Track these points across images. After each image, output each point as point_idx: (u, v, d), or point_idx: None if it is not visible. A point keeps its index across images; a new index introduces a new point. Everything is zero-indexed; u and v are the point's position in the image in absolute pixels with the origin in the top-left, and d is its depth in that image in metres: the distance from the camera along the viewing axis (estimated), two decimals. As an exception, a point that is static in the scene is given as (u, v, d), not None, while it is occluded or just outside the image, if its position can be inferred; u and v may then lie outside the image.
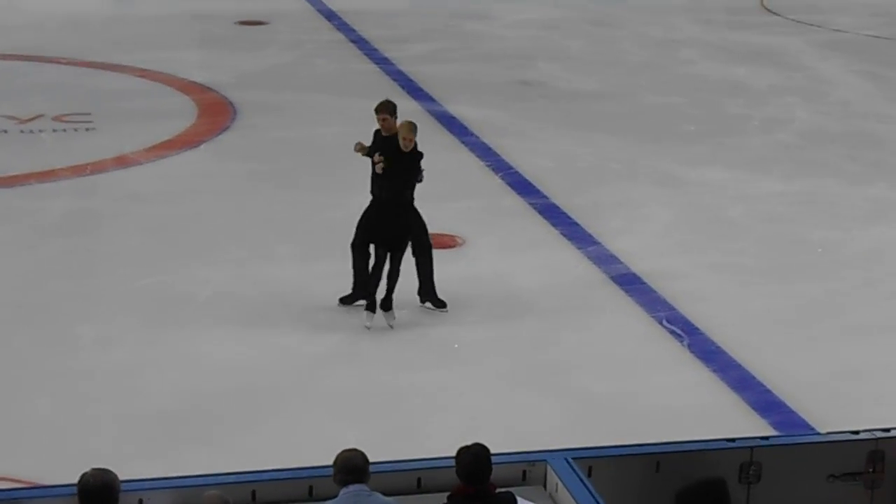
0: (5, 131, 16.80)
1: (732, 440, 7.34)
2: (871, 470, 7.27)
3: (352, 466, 6.42)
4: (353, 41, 22.27)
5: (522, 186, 15.11)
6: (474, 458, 6.49)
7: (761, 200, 14.97)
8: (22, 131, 16.82)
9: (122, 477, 6.20)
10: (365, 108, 17.82)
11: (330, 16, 24.16)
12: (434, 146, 16.69)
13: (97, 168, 15.41)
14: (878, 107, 19.10)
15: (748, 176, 15.79)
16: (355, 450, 6.49)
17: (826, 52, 22.22)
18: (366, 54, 21.34)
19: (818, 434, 8.94)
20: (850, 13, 25.34)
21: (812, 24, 24.30)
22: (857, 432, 7.41)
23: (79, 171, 15.30)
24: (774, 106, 18.95)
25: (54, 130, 16.89)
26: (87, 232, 13.51)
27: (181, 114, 17.72)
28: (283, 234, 13.50)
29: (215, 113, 17.86)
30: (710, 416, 10.06)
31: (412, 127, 11.27)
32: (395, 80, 19.72)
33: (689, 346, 11.23)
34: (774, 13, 25.40)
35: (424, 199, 14.61)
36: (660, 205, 14.76)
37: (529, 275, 12.67)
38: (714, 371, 10.81)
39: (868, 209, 14.81)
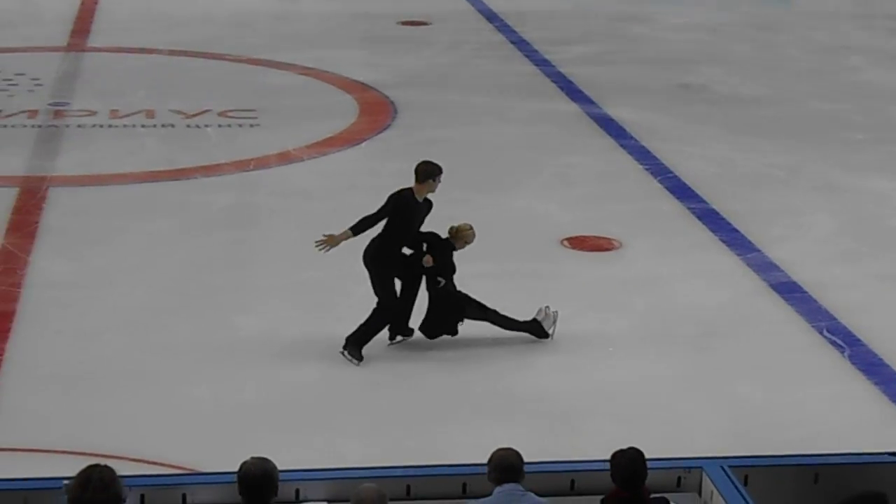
0: (172, 125, 17.19)
1: (894, 454, 7.19)
2: None
3: (507, 465, 6.44)
4: (513, 42, 22.30)
5: (681, 191, 14.97)
6: (630, 462, 6.46)
7: (929, 211, 14.63)
8: (188, 126, 17.20)
9: (280, 467, 6.30)
10: (524, 108, 17.87)
11: (491, 17, 24.22)
12: (592, 149, 16.72)
13: (260, 163, 15.68)
14: None
15: (915, 185, 15.45)
16: (511, 449, 6.52)
17: None
18: (526, 55, 21.35)
19: (984, 451, 8.72)
20: None
21: (985, 32, 23.67)
22: None
23: (242, 165, 15.59)
24: (944, 114, 18.51)
25: (219, 126, 17.23)
26: (248, 226, 13.76)
27: (343, 112, 17.94)
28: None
29: (376, 112, 18.05)
30: (871, 429, 9.84)
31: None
32: (554, 81, 19.71)
33: (851, 358, 11.01)
34: (945, 19, 24.79)
35: (583, 200, 14.65)
36: (823, 213, 14.50)
37: (687, 280, 12.54)
38: (876, 384, 10.57)
39: None
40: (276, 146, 16.26)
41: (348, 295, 11.99)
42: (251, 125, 17.26)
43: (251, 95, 18.58)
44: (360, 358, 10.70)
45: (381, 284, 10.81)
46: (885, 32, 24.08)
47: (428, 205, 10.88)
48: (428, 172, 10.78)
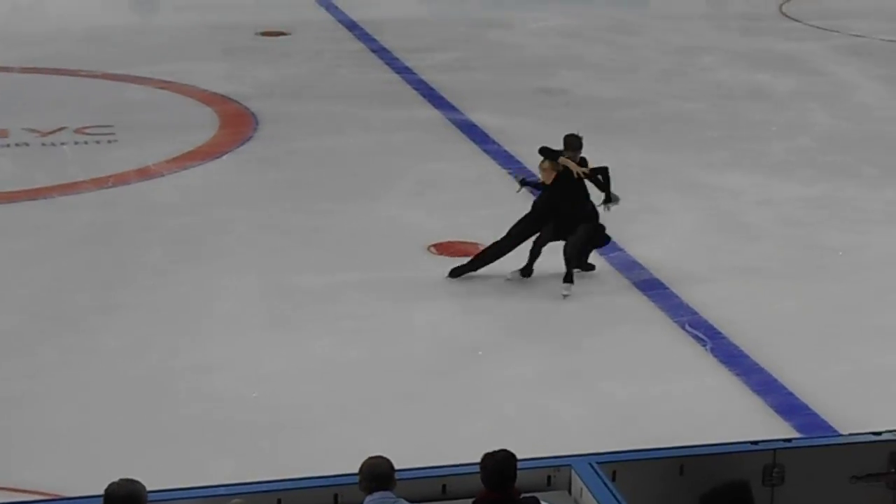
0: (27, 144, 16.89)
1: (755, 443, 7.35)
2: (893, 470, 7.27)
3: (377, 473, 6.45)
4: (373, 50, 22.32)
5: (544, 194, 15.09)
6: (497, 464, 6.51)
7: (782, 205, 14.97)
8: (44, 144, 16.91)
9: (148, 487, 6.23)
10: (386, 117, 17.85)
11: (351, 26, 24.22)
12: (456, 154, 16.80)
13: (119, 180, 15.48)
14: (897, 111, 19.10)
15: (769, 181, 15.79)
16: (381, 457, 6.52)
17: (845, 58, 22.18)
18: (387, 63, 21.39)
19: (840, 436, 8.96)
20: (867, 18, 25.30)
21: (830, 30, 24.25)
22: (878, 433, 7.41)
23: (101, 183, 15.37)
24: (794, 111, 18.95)
25: (76, 143, 16.97)
26: (110, 244, 13.57)
27: (203, 125, 17.79)
28: (307, 244, 13.55)
29: (237, 124, 17.94)
30: (734, 419, 10.07)
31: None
32: (416, 88, 19.78)
33: (712, 351, 11.24)
34: (793, 19, 25.37)
35: (449, 206, 14.72)
36: (681, 210, 14.77)
37: (552, 281, 12.67)
38: (737, 375, 10.82)
39: (888, 212, 14.80)
40: (135, 162, 16.05)
41: (215, 310, 11.93)
42: (109, 141, 17.03)
43: (108, 111, 18.31)
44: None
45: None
46: (737, 32, 24.60)
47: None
48: (570, 144, 12.71)
